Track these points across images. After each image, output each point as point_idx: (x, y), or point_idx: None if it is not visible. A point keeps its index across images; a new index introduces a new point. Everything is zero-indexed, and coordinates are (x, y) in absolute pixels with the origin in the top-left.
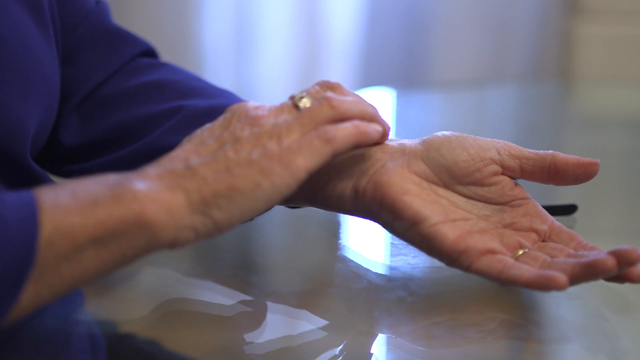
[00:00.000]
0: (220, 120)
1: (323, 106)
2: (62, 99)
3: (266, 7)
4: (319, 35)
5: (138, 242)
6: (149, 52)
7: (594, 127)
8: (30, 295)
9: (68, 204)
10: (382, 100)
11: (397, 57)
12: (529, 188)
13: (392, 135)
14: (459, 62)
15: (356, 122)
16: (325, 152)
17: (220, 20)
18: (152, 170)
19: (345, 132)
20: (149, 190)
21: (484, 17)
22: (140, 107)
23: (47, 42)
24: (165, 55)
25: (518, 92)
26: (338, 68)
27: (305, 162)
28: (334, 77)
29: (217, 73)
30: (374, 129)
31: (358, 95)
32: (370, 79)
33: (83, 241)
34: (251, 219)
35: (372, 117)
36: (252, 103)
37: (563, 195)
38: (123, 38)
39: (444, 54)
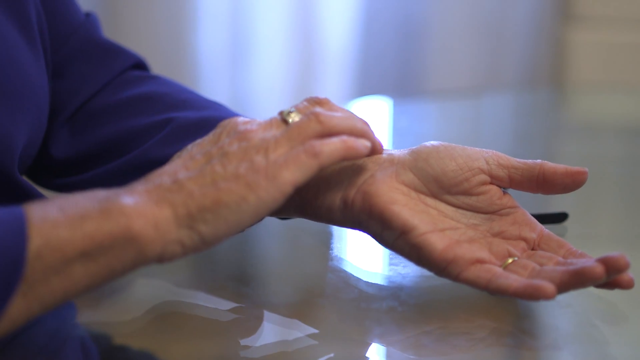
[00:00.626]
0: (210, 135)
1: (311, 121)
2: (52, 113)
3: (261, 18)
4: (314, 45)
5: (126, 256)
6: (140, 65)
7: (587, 134)
8: (20, 308)
9: (57, 218)
10: (378, 110)
11: (393, 66)
12: (520, 196)
13: (387, 145)
14: (454, 71)
15: (344, 137)
16: (311, 166)
17: (215, 31)
18: (141, 185)
19: (332, 146)
20: (137, 205)
21: (478, 26)
22: (130, 119)
23: (36, 56)
24: (160, 66)
25: (513, 100)
26: (334, 77)
27: (291, 176)
28: (329, 86)
29: (212, 84)
30: (362, 144)
31: (348, 111)
32: (366, 88)
33: (72, 255)
34: (239, 233)
35: (361, 132)
36: (241, 118)
37: (554, 203)
38: (113, 51)
39: (439, 63)
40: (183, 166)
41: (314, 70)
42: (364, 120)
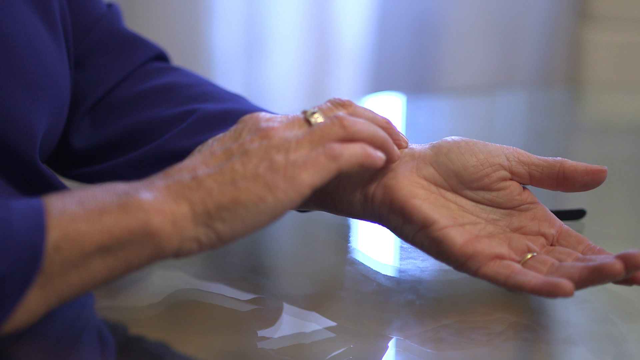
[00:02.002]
0: (231, 131)
1: (334, 125)
2: (73, 104)
3: (276, 13)
4: (329, 41)
5: (144, 251)
6: (161, 57)
7: (602, 133)
8: (38, 300)
9: (75, 211)
10: (392, 106)
11: (407, 62)
12: (537, 193)
13: None
14: (468, 68)
15: (364, 145)
16: (330, 169)
17: (230, 26)
18: (160, 181)
19: (351, 151)
20: (156, 201)
21: (493, 24)
22: (151, 110)
23: (58, 47)
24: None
25: (527, 98)
26: (348, 73)
27: (310, 178)
28: (344, 82)
29: (228, 79)
30: (379, 156)
31: (371, 112)
32: (380, 84)
33: (90, 248)
34: (255, 232)
35: (381, 142)
36: (264, 114)
37: (572, 200)
38: (135, 43)
39: (454, 60)
40: (203, 162)
41: (328, 66)
42: (386, 120)
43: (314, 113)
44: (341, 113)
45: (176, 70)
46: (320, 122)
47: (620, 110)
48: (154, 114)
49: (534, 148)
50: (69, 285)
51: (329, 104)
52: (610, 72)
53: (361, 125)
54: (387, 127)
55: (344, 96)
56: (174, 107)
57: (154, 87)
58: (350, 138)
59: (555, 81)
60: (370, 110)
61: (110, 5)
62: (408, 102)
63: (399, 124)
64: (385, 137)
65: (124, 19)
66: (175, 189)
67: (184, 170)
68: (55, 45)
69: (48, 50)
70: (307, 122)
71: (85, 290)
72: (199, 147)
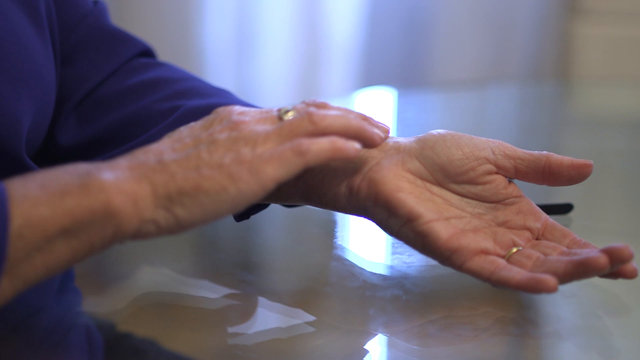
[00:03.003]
0: (203, 120)
1: (304, 120)
2: (60, 100)
3: (267, 9)
4: (319, 36)
5: (105, 231)
6: (147, 53)
7: (592, 127)
8: (4, 286)
9: (37, 195)
10: (383, 100)
11: (398, 57)
12: (525, 186)
13: (392, 134)
14: (459, 62)
15: (333, 138)
16: (296, 164)
17: (221, 22)
18: (124, 161)
19: (319, 146)
20: (117, 180)
21: (483, 18)
22: (137, 105)
23: (44, 43)
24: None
25: (517, 92)
26: (339, 68)
27: (274, 172)
28: (334, 77)
29: (218, 74)
30: (352, 146)
31: (347, 110)
32: (371, 79)
33: (53, 231)
34: (214, 221)
35: (355, 131)
36: (238, 107)
37: (559, 194)
38: (121, 39)
39: (444, 54)
40: (170, 147)
41: (319, 61)
42: (362, 116)
43: (287, 111)
44: (312, 109)
45: (162, 65)
46: (291, 118)
47: (610, 104)
48: (139, 109)
49: (524, 142)
50: (34, 270)
51: (303, 104)
52: (601, 66)
53: (332, 119)
54: (364, 119)
55: (335, 91)
56: (160, 103)
57: (140, 83)
58: (320, 133)
59: (546, 75)
60: (345, 109)
61: (96, 2)
62: (399, 97)
63: (390, 119)
64: (360, 124)
65: (115, 16)
66: (139, 170)
67: (150, 152)
68: (40, 42)
69: (34, 46)
70: (280, 119)
71: (51, 273)
72: (170, 134)
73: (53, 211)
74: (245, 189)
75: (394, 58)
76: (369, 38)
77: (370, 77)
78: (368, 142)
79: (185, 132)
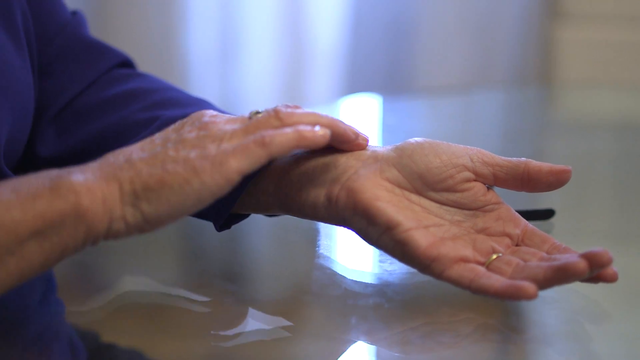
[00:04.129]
0: (176, 124)
1: (270, 117)
2: (38, 112)
3: (251, 16)
4: (304, 43)
5: (77, 232)
6: (126, 63)
7: (575, 131)
8: None
9: (10, 199)
10: (368, 107)
11: (382, 63)
12: (508, 192)
13: (377, 142)
14: (443, 68)
15: (298, 127)
16: (260, 156)
17: (205, 29)
18: (94, 163)
19: (283, 137)
20: (86, 181)
21: (467, 24)
22: (116, 116)
23: (21, 55)
24: (150, 64)
25: (501, 97)
26: (323, 75)
27: (237, 164)
28: (319, 83)
29: (202, 82)
30: (320, 133)
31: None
32: (356, 86)
33: (25, 235)
34: (183, 216)
35: (327, 124)
36: (211, 111)
37: (541, 200)
38: (99, 50)
39: (429, 60)
40: (140, 148)
41: (303, 68)
42: (334, 118)
43: (258, 112)
44: (280, 107)
45: (141, 76)
46: (258, 116)
47: (593, 108)
48: (118, 120)
49: (509, 147)
50: (8, 274)
51: (276, 107)
52: (583, 70)
53: (299, 116)
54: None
55: (320, 98)
56: (139, 113)
57: (119, 94)
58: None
59: (530, 80)
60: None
61: (74, 13)
62: (384, 103)
63: (375, 126)
64: (332, 120)
65: (99, 24)
66: (107, 170)
67: (120, 154)
68: (17, 54)
69: (10, 59)
70: (250, 120)
71: (24, 277)
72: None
73: (24, 214)
74: (209, 181)
75: (379, 64)
76: (353, 44)
77: (354, 83)
78: (341, 138)
79: (157, 134)
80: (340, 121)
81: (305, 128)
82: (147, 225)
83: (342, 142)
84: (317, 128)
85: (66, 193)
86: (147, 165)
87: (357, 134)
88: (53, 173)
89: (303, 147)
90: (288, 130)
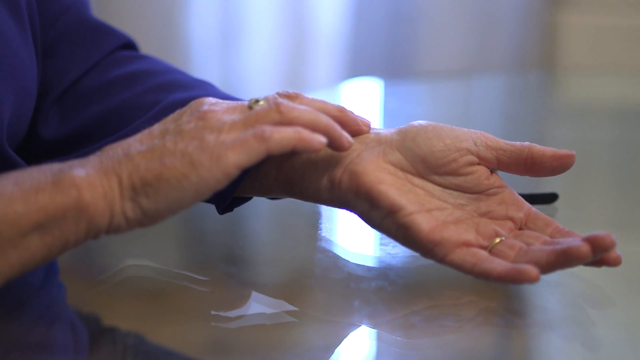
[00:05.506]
0: (174, 113)
1: (271, 110)
2: (42, 93)
3: (252, 1)
4: (305, 27)
5: (78, 226)
6: (129, 45)
7: (577, 117)
8: None
9: (12, 192)
10: (369, 91)
11: (384, 48)
12: (511, 176)
13: (378, 125)
14: (444, 53)
15: (298, 128)
16: (258, 151)
17: (206, 14)
18: (94, 157)
19: (283, 134)
20: (87, 176)
21: (468, 9)
22: (118, 98)
23: (24, 36)
24: (152, 49)
25: (503, 82)
26: (325, 59)
27: (235, 157)
28: (320, 67)
29: (204, 66)
30: (317, 139)
31: (321, 101)
32: (357, 70)
33: (27, 227)
34: (182, 210)
35: (323, 127)
36: (210, 99)
37: (544, 183)
38: (102, 31)
39: (430, 44)
40: (139, 140)
41: (305, 52)
42: (339, 108)
43: (258, 101)
44: (282, 100)
45: (144, 58)
46: (258, 107)
47: (595, 93)
48: (121, 102)
49: (510, 132)
50: (10, 266)
51: (275, 95)
52: (585, 55)
53: (299, 112)
54: (339, 114)
55: (321, 82)
56: (141, 96)
57: (121, 75)
58: (287, 123)
59: (532, 65)
60: (320, 100)
61: None
62: (385, 87)
63: (376, 110)
64: (329, 124)
65: (100, 9)
66: (107, 164)
67: (119, 147)
68: (21, 35)
69: (13, 39)
70: (250, 108)
71: (26, 269)
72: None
73: (27, 207)
74: (206, 175)
75: (380, 49)
76: (354, 29)
77: (356, 68)
78: (335, 144)
79: (156, 125)
80: (344, 112)
81: (304, 131)
82: (146, 220)
83: (335, 148)
84: (316, 135)
85: (68, 187)
86: (145, 159)
87: (349, 141)
88: (55, 167)
89: (300, 150)
90: (288, 129)
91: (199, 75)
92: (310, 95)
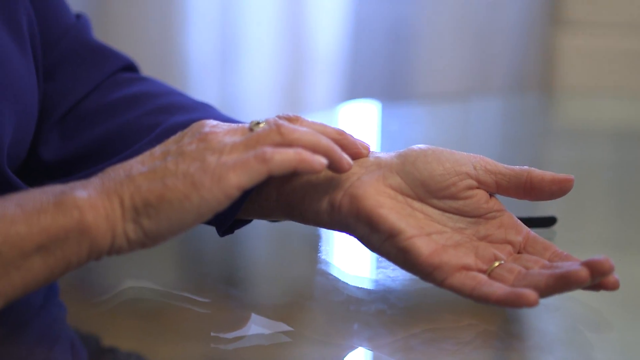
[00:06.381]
0: (176, 135)
1: (272, 131)
2: (43, 115)
3: (251, 20)
4: (303, 48)
5: (81, 248)
6: (130, 67)
7: (576, 139)
8: None
9: (14, 213)
10: (367, 113)
11: (382, 69)
12: (509, 199)
13: (375, 148)
14: (443, 74)
15: (299, 150)
16: (260, 172)
17: (205, 34)
18: (96, 179)
19: (284, 155)
20: (90, 197)
21: (467, 31)
22: (119, 121)
23: (25, 58)
24: (150, 68)
25: (501, 104)
26: (323, 80)
27: (237, 179)
28: (318, 89)
29: (202, 86)
30: (318, 160)
31: (321, 124)
32: (355, 92)
33: (29, 249)
34: (184, 231)
35: (324, 149)
36: (211, 121)
37: (543, 207)
38: (104, 53)
39: (429, 66)
40: (140, 162)
41: (303, 73)
42: (339, 131)
43: (259, 123)
44: (283, 121)
45: (145, 80)
46: (259, 129)
47: (593, 115)
48: (122, 124)
49: (509, 154)
50: (13, 287)
51: (276, 117)
52: (584, 78)
53: (300, 134)
54: (339, 137)
55: (320, 104)
56: (142, 118)
57: (123, 98)
58: (287, 144)
59: (530, 87)
60: (320, 123)
61: (79, 16)
62: (383, 109)
63: (374, 132)
64: (330, 146)
65: (98, 27)
66: (109, 186)
67: (121, 169)
68: (22, 57)
69: (14, 61)
70: (251, 130)
71: (29, 290)
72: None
73: (29, 229)
74: (208, 196)
75: (378, 71)
76: (353, 51)
77: (354, 90)
78: (335, 165)
79: (158, 147)
80: (344, 135)
81: (304, 153)
82: (148, 241)
83: (335, 170)
84: (317, 157)
85: (70, 209)
86: (147, 180)
87: (349, 163)
88: (57, 188)
89: (300, 171)
90: (289, 150)
91: (196, 95)
92: (309, 117)
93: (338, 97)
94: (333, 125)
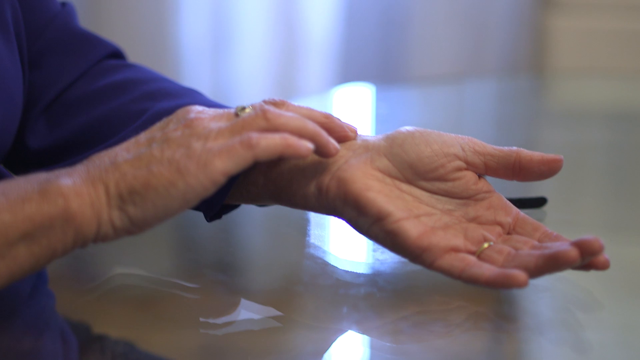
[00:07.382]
0: (161, 122)
1: (257, 117)
2: (28, 104)
3: (243, 6)
4: (296, 33)
5: (65, 235)
6: (116, 54)
7: (568, 120)
8: None
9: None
10: (360, 97)
11: (375, 53)
12: (500, 180)
13: (370, 131)
14: (436, 57)
15: (285, 135)
16: (245, 157)
17: (197, 21)
18: (81, 166)
19: (269, 141)
20: (74, 185)
21: (460, 13)
22: (106, 108)
23: (9, 47)
24: (142, 56)
25: (494, 86)
26: (316, 65)
27: (222, 164)
28: (312, 74)
29: (195, 73)
30: (304, 145)
31: (307, 108)
32: (349, 76)
33: (14, 237)
34: (169, 218)
35: (310, 134)
36: (197, 107)
37: (534, 187)
38: (89, 41)
39: (421, 49)
40: (125, 149)
41: (296, 58)
42: (325, 115)
43: (244, 108)
44: (268, 107)
45: (131, 67)
46: (245, 114)
47: (585, 97)
48: (108, 111)
49: (502, 136)
50: None
51: (261, 102)
52: (575, 59)
53: (286, 119)
54: (326, 121)
55: (313, 88)
56: (129, 105)
57: (109, 85)
58: (273, 129)
59: (522, 69)
60: (307, 107)
61: (64, 4)
62: (377, 92)
63: (368, 115)
64: (316, 130)
65: (91, 16)
66: (94, 173)
67: (106, 156)
68: (6, 46)
69: None
70: (237, 116)
71: (15, 278)
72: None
73: (14, 217)
74: (194, 182)
75: (371, 54)
76: (346, 34)
77: (347, 73)
78: (322, 150)
79: (143, 134)
80: (331, 119)
81: (290, 138)
82: (134, 228)
83: (322, 154)
84: (303, 142)
85: (55, 197)
86: (132, 167)
87: (336, 148)
88: (42, 177)
89: (287, 156)
90: (275, 136)
91: (189, 82)
92: (302, 101)
93: (332, 80)
94: (320, 109)
